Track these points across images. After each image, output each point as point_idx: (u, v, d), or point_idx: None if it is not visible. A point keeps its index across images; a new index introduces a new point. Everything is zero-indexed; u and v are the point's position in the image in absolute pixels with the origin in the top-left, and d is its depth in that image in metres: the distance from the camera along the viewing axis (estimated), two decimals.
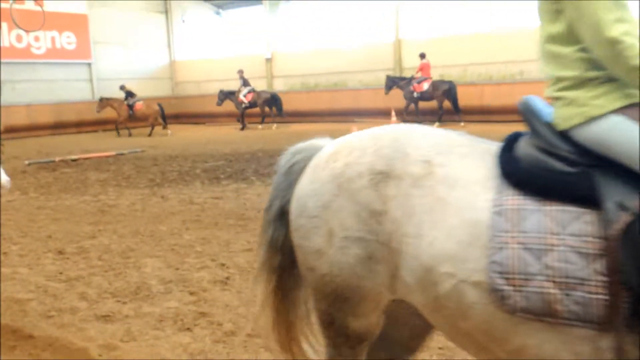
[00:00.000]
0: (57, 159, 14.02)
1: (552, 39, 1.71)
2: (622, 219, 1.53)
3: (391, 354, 2.27)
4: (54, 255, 5.95)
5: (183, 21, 28.52)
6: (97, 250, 6.06)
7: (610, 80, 1.64)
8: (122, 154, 15.03)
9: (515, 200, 1.68)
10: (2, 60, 20.94)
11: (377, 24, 22.93)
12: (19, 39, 23.20)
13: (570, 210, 1.61)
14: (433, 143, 1.88)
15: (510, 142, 1.82)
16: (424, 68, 19.88)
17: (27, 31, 20.88)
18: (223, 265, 5.37)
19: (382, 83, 20.96)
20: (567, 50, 1.68)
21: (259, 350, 3.61)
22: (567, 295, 1.56)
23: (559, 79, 1.72)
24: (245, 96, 22.41)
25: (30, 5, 18.40)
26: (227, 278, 4.98)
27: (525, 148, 1.76)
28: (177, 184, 10.19)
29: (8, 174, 3.42)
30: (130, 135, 21.55)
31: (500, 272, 1.63)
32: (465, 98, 19.98)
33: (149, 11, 28.23)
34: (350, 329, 2.01)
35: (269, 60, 26.23)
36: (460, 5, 20.68)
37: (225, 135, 20.24)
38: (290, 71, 25.68)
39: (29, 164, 13.18)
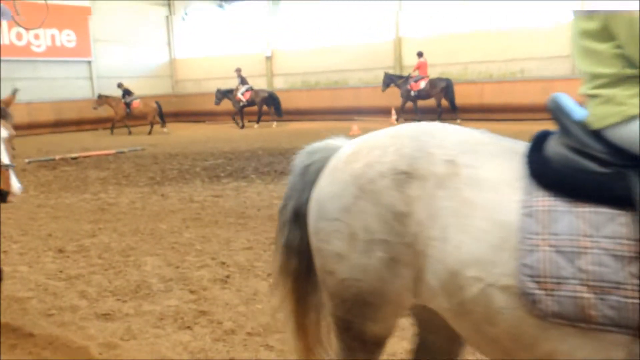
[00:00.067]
0: (57, 157, 14.02)
1: (587, 34, 1.64)
2: None
3: None
4: (54, 254, 5.96)
5: (183, 18, 28.47)
6: (97, 249, 6.06)
7: None
8: (122, 152, 15.03)
9: (545, 201, 1.62)
10: (2, 58, 20.97)
11: (378, 22, 22.92)
12: (19, 36, 23.19)
13: (604, 211, 1.56)
14: (456, 142, 1.82)
15: (538, 141, 1.75)
16: (422, 67, 19.88)
17: (27, 29, 20.86)
18: (223, 263, 5.37)
19: (382, 81, 20.96)
20: (603, 46, 1.60)
21: (259, 349, 3.61)
22: (602, 299, 1.50)
23: (594, 76, 1.65)
24: (243, 94, 22.40)
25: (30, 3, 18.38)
26: (227, 276, 4.99)
27: (555, 147, 1.70)
28: (177, 182, 10.19)
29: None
30: (130, 133, 21.56)
31: (531, 276, 1.57)
32: (465, 96, 19.98)
33: (149, 9, 28.21)
34: (368, 334, 1.96)
35: (269, 59, 26.22)
36: (461, 5, 20.66)
37: (226, 134, 20.24)
38: (290, 69, 25.68)
39: (29, 162, 13.18)
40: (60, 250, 6.06)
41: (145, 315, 4.21)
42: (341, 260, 1.88)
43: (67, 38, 24.92)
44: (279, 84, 26.18)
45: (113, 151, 15.14)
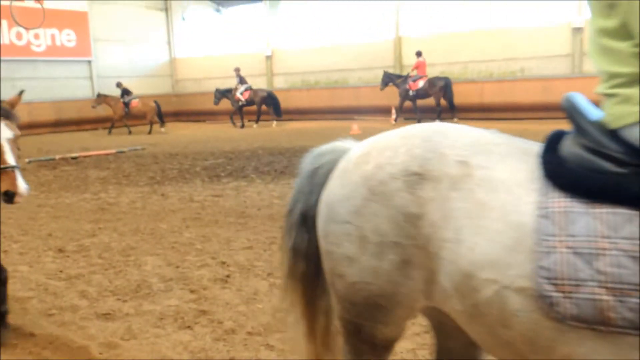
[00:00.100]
0: (57, 156, 14.02)
1: (605, 33, 1.61)
2: None
3: None
4: (54, 254, 5.96)
5: (183, 19, 28.49)
6: (98, 249, 6.06)
7: None
8: (122, 152, 15.03)
9: (561, 202, 1.59)
10: (2, 58, 20.97)
11: (378, 21, 22.92)
12: (19, 36, 23.20)
13: (622, 212, 1.52)
14: (468, 142, 1.80)
15: (553, 142, 1.72)
16: (420, 66, 19.90)
17: (27, 29, 20.87)
18: (223, 263, 5.37)
19: (381, 79, 20.97)
20: (622, 45, 1.57)
21: (259, 348, 3.61)
22: (621, 302, 1.47)
23: (612, 75, 1.62)
24: (242, 94, 22.41)
25: (30, 3, 18.40)
26: (228, 276, 4.99)
27: (570, 148, 1.66)
28: (177, 181, 10.19)
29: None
30: (130, 133, 21.57)
31: (549, 278, 1.54)
32: (465, 95, 19.98)
33: (149, 9, 28.23)
34: (378, 337, 1.95)
35: (269, 58, 26.22)
36: (461, 4, 20.65)
37: (226, 133, 20.24)
38: (290, 69, 25.68)
39: (30, 162, 13.18)
40: (61, 250, 6.06)
41: (145, 315, 4.21)
42: (352, 263, 1.86)
43: (67, 38, 24.94)
44: (279, 83, 26.19)
45: (113, 151, 15.15)
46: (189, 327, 3.97)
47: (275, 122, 22.07)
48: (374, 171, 1.84)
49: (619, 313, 1.47)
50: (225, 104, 23.13)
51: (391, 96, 20.56)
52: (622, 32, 1.57)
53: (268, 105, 22.09)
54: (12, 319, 3.98)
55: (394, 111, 20.34)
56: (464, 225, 1.68)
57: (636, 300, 1.46)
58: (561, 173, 1.63)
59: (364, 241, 1.83)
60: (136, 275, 5.14)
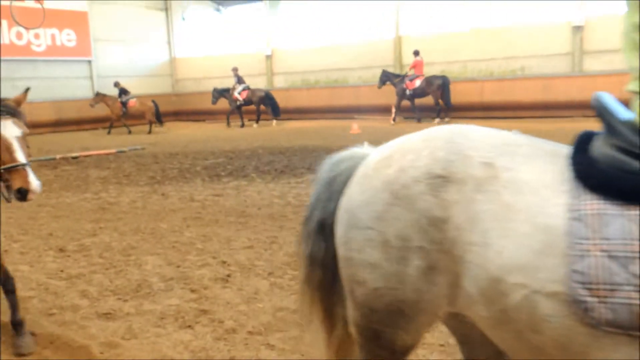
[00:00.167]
0: (57, 156, 14.03)
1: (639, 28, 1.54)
2: None
3: None
4: (54, 253, 5.96)
5: (183, 19, 28.50)
6: (98, 248, 6.06)
7: None
8: (122, 152, 15.04)
9: (594, 204, 1.54)
10: (2, 58, 20.97)
11: (378, 21, 22.91)
12: (19, 36, 23.20)
13: None
14: (492, 144, 1.76)
15: (582, 143, 1.67)
16: (417, 65, 19.92)
17: (27, 28, 20.88)
18: (224, 262, 5.37)
19: (379, 78, 20.98)
20: None
21: (260, 348, 3.61)
22: None
23: None
24: (239, 94, 22.41)
25: (30, 3, 18.39)
26: (228, 275, 4.99)
27: (601, 148, 1.61)
28: (178, 181, 10.20)
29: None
30: (130, 132, 21.57)
31: (583, 283, 1.49)
32: (465, 94, 19.98)
33: (149, 8, 28.22)
34: (398, 343, 1.92)
35: (269, 57, 26.22)
36: (461, 3, 20.64)
37: (225, 133, 20.25)
38: (290, 68, 25.68)
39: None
40: (61, 250, 6.07)
41: (146, 315, 4.21)
42: (374, 269, 1.83)
43: (67, 37, 24.93)
44: (279, 82, 26.19)
45: (113, 150, 15.16)
46: (189, 326, 3.98)
47: (274, 122, 22.07)
48: (396, 175, 1.81)
49: None
50: (226, 104, 23.13)
51: (391, 95, 20.55)
52: None
53: (266, 105, 22.10)
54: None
55: (394, 110, 20.34)
56: (490, 228, 1.64)
57: None
58: (593, 174, 1.58)
59: (387, 246, 1.79)
60: (137, 274, 5.14)
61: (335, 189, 2.10)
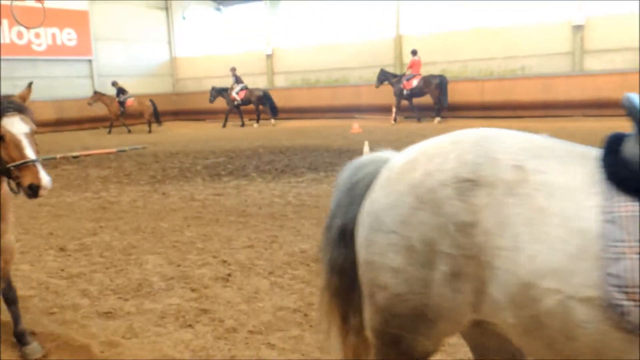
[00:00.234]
0: (58, 155, 14.02)
1: None
2: None
3: None
4: (55, 252, 5.96)
5: (184, 18, 28.50)
6: (99, 247, 6.07)
7: None
8: (123, 151, 15.04)
9: (629, 206, 1.50)
10: (2, 57, 20.97)
11: (378, 20, 22.91)
12: (19, 35, 23.21)
13: None
14: (521, 147, 1.73)
15: (613, 144, 1.65)
16: (414, 65, 19.93)
17: (27, 28, 20.87)
18: (224, 262, 5.37)
19: (377, 77, 20.99)
20: None
21: (260, 347, 3.61)
22: None
23: None
24: (237, 94, 22.41)
25: (31, 2, 18.39)
26: (229, 275, 4.99)
27: (633, 149, 1.58)
28: (178, 180, 10.20)
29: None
30: (129, 132, 21.58)
31: (618, 286, 1.46)
32: (466, 94, 19.99)
33: (150, 8, 28.23)
34: (418, 349, 1.89)
35: (269, 57, 26.22)
36: (461, 2, 20.63)
37: (226, 132, 20.25)
38: (291, 67, 25.68)
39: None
40: (62, 249, 6.07)
41: (146, 314, 4.21)
42: (397, 274, 1.79)
43: (67, 37, 24.94)
44: (279, 82, 26.19)
45: (114, 150, 15.16)
46: (190, 325, 3.98)
47: (273, 121, 22.08)
48: (422, 178, 1.77)
49: None
50: (226, 104, 23.14)
51: (391, 95, 20.55)
52: None
53: (264, 105, 22.09)
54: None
55: (394, 109, 20.34)
56: (522, 232, 1.60)
57: None
58: (625, 176, 1.55)
59: (411, 251, 1.76)
60: (137, 274, 5.14)
61: (356, 193, 2.06)
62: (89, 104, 22.38)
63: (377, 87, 20.84)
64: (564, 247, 1.54)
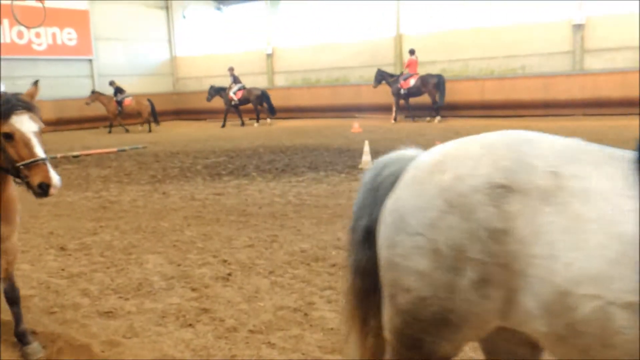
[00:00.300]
0: (58, 155, 14.02)
1: None
2: None
3: None
4: (56, 252, 5.96)
5: (184, 17, 28.49)
6: (99, 247, 6.07)
7: None
8: (123, 150, 15.04)
9: None
10: (3, 57, 20.97)
11: (378, 19, 22.89)
12: (20, 35, 23.21)
13: None
14: (555, 151, 1.69)
15: None
16: (411, 64, 19.92)
17: (28, 27, 20.87)
18: (225, 261, 5.38)
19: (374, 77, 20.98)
20: None
21: (260, 346, 3.61)
22: None
23: None
24: (235, 93, 22.40)
25: (31, 2, 18.39)
26: (229, 274, 4.99)
27: None
28: (179, 180, 10.20)
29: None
30: (127, 131, 21.57)
31: None
32: (466, 93, 19.99)
33: (150, 7, 28.22)
34: (438, 353, 1.86)
35: (270, 56, 26.22)
36: (461, 2, 20.61)
37: (226, 132, 20.26)
38: (291, 67, 25.68)
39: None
40: (62, 248, 6.07)
41: (147, 313, 4.21)
42: (421, 277, 1.76)
43: (68, 36, 24.96)
44: (279, 81, 26.19)
45: (114, 149, 15.16)
46: (190, 325, 3.98)
47: (269, 120, 22.09)
48: (453, 182, 1.73)
49: None
50: (223, 104, 23.14)
51: (391, 94, 20.55)
52: None
53: (262, 103, 22.07)
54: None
55: (394, 109, 20.34)
56: (558, 240, 1.57)
57: None
58: None
59: (438, 255, 1.72)
60: (138, 273, 5.15)
61: (380, 193, 2.03)
62: (87, 103, 22.40)
63: (374, 87, 20.85)
64: (602, 252, 1.51)
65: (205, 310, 4.21)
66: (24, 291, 4.73)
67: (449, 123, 18.28)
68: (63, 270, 5.34)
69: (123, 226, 6.95)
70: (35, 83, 3.45)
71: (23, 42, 23.46)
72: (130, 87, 23.39)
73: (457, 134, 13.95)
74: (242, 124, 22.35)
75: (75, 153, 14.39)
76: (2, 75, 19.98)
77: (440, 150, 1.90)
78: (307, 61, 24.94)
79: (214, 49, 28.13)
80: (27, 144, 3.16)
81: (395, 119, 20.14)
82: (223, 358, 3.51)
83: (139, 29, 27.54)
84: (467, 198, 1.69)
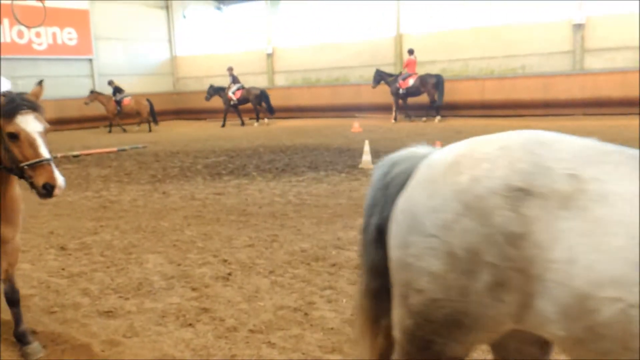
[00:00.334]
0: (58, 155, 14.01)
1: None
2: None
3: None
4: (56, 251, 5.97)
5: (184, 17, 28.49)
6: (99, 246, 6.07)
7: None
8: (123, 150, 15.04)
9: None
10: (3, 57, 20.97)
11: (379, 19, 22.89)
12: (20, 35, 23.21)
13: None
14: (574, 153, 1.66)
15: None
16: (410, 64, 19.92)
17: (28, 27, 20.87)
18: (225, 261, 5.38)
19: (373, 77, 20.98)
20: None
21: (260, 346, 3.61)
22: None
23: None
24: (234, 93, 22.40)
25: (31, 2, 18.40)
26: (229, 274, 4.99)
27: None
28: (179, 179, 10.20)
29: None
30: (124, 131, 21.57)
31: None
32: (466, 93, 19.99)
33: (150, 7, 28.22)
34: (448, 354, 1.85)
35: (270, 56, 26.22)
36: (461, 1, 20.61)
37: (226, 131, 20.26)
38: (291, 66, 25.68)
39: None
40: (63, 248, 6.07)
41: (147, 313, 4.21)
42: (434, 279, 1.74)
43: (68, 36, 24.95)
44: (280, 81, 26.19)
45: (115, 149, 15.16)
46: (190, 324, 3.98)
47: (266, 120, 22.09)
48: (469, 184, 1.70)
49: None
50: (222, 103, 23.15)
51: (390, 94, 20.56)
52: None
53: (261, 103, 22.07)
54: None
55: (394, 109, 20.35)
56: (578, 244, 1.54)
57: None
58: None
59: (452, 258, 1.70)
60: (138, 273, 5.15)
61: (391, 192, 2.01)
62: (86, 103, 22.40)
63: (373, 87, 20.87)
64: (624, 255, 1.49)
65: (205, 310, 4.21)
66: (24, 291, 4.74)
67: (449, 123, 18.28)
68: (63, 269, 5.34)
69: (123, 226, 6.95)
70: (40, 83, 3.43)
71: (23, 41, 23.46)
72: (131, 86, 23.39)
73: (458, 134, 13.95)
74: (242, 123, 22.36)
75: (75, 153, 14.39)
76: (2, 74, 19.95)
77: (453, 150, 1.87)
78: (307, 61, 24.94)
79: (214, 49, 28.13)
80: (32, 144, 3.14)
81: (395, 119, 20.15)
82: (223, 358, 3.51)
83: (139, 29, 27.54)
84: (483, 201, 1.66)
